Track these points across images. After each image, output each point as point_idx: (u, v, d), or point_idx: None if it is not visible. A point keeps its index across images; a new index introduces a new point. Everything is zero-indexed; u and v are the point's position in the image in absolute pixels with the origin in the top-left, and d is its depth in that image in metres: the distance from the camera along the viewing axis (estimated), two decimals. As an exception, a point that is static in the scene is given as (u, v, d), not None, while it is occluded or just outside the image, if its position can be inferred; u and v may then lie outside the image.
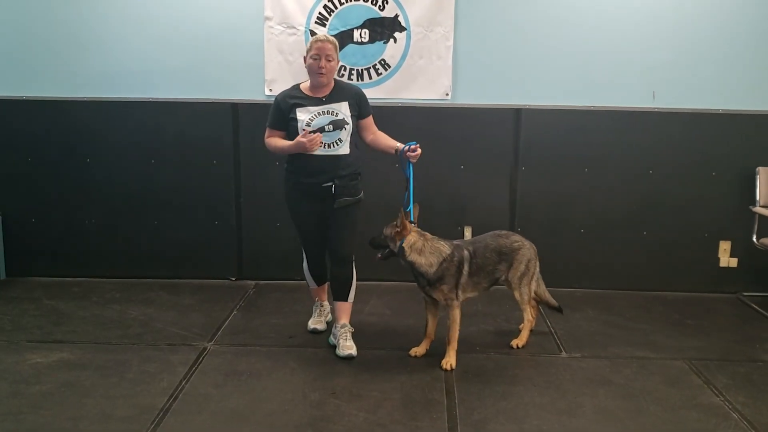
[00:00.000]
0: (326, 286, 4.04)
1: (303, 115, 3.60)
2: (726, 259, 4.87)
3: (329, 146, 3.60)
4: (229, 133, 4.85)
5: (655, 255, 4.89)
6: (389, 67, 4.76)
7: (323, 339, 3.91)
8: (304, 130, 3.57)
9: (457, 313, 3.62)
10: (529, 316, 3.88)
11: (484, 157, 4.84)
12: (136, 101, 4.81)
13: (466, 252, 3.65)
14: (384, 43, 4.72)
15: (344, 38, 4.68)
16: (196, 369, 3.54)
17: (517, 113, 4.78)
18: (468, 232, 4.86)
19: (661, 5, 4.63)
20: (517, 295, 3.83)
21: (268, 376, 3.47)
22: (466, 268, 3.63)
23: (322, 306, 4.12)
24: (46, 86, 4.81)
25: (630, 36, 4.66)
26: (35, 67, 4.81)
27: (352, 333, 3.80)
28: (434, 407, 3.17)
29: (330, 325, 4.01)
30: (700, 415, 3.14)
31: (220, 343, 3.89)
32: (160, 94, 4.80)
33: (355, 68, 4.76)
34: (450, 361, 3.58)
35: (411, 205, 3.65)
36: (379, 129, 3.83)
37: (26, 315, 4.28)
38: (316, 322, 4.08)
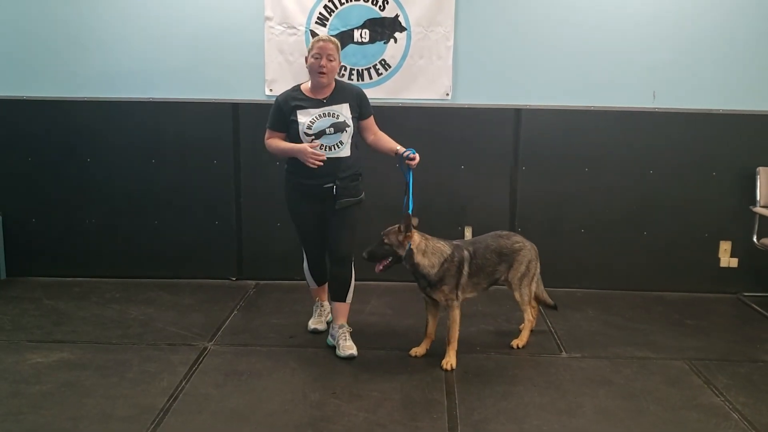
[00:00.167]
0: (326, 286, 4.02)
1: (304, 118, 3.58)
2: (726, 259, 4.87)
3: (330, 148, 3.59)
4: (229, 133, 4.85)
5: (655, 255, 4.89)
6: (389, 67, 4.76)
7: (324, 339, 3.91)
8: (305, 133, 3.55)
9: (457, 314, 3.62)
10: (529, 316, 3.89)
11: (485, 157, 4.84)
12: (136, 101, 4.81)
13: (466, 252, 3.65)
14: (384, 43, 4.72)
15: (344, 38, 4.68)
16: (196, 369, 3.54)
17: (517, 113, 4.78)
18: (468, 232, 4.86)
19: (661, 5, 4.63)
20: (517, 296, 3.83)
21: (269, 376, 3.47)
22: (466, 268, 3.63)
23: (322, 306, 4.12)
24: (46, 86, 4.81)
25: (630, 36, 4.67)
26: (35, 67, 4.81)
27: (351, 333, 3.79)
28: (434, 407, 3.17)
29: (330, 325, 4.00)
30: (700, 416, 3.14)
31: (220, 343, 3.89)
32: (161, 94, 4.80)
33: (356, 68, 4.76)
34: (450, 361, 3.58)
35: (411, 208, 3.61)
36: (380, 129, 3.82)
37: (26, 315, 4.27)
38: (316, 323, 4.07)
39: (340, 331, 3.77)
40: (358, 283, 3.83)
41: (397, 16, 4.69)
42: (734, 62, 4.66)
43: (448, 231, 4.55)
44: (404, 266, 3.60)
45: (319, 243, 3.82)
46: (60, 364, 3.55)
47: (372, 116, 3.79)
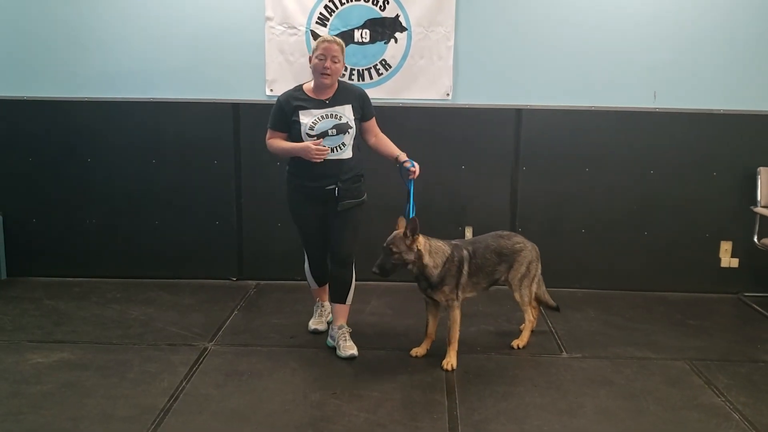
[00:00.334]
0: (327, 286, 4.01)
1: (306, 119, 3.56)
2: (727, 259, 4.87)
3: (332, 150, 3.57)
4: (229, 133, 4.85)
5: (655, 255, 4.89)
6: (390, 67, 4.76)
7: (324, 339, 3.90)
8: (308, 134, 3.54)
9: (457, 314, 3.61)
10: (530, 316, 3.88)
11: (485, 157, 4.84)
12: (136, 101, 4.81)
13: (465, 252, 3.64)
14: (385, 43, 4.72)
15: (345, 38, 4.66)
16: (196, 369, 3.54)
17: (517, 113, 4.78)
18: (468, 233, 4.86)
19: (661, 5, 4.63)
20: (517, 296, 3.83)
21: (269, 377, 3.47)
22: (465, 268, 3.62)
23: (322, 306, 4.11)
24: (46, 86, 4.81)
25: (631, 36, 4.66)
26: (36, 67, 4.81)
27: (351, 333, 3.79)
28: (435, 408, 3.17)
29: (330, 325, 3.98)
30: (701, 416, 3.14)
31: (220, 344, 3.88)
32: (161, 94, 4.80)
33: (356, 68, 4.75)
34: (451, 361, 3.58)
35: (413, 213, 3.59)
36: (380, 129, 3.82)
37: (27, 315, 4.27)
38: (316, 323, 4.07)
39: (340, 331, 3.76)
40: (358, 283, 3.83)
41: (397, 16, 4.69)
42: (735, 62, 4.66)
43: (448, 231, 4.56)
44: (412, 270, 3.57)
45: (320, 244, 3.81)
46: (60, 365, 3.55)
47: (374, 118, 3.77)
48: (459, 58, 4.74)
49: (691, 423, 3.08)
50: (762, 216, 4.62)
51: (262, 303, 4.59)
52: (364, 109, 3.70)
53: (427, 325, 3.76)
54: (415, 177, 3.65)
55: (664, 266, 4.90)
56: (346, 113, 3.61)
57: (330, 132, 3.56)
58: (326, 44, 3.53)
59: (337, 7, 4.70)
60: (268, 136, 3.71)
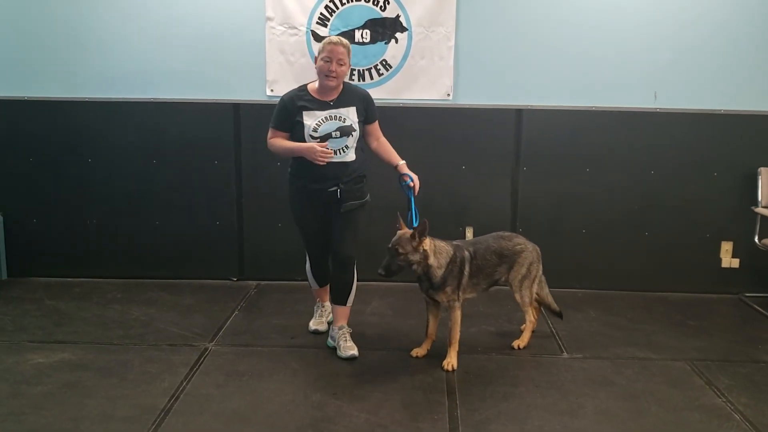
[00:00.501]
0: (328, 287, 4.00)
1: (309, 120, 3.53)
2: (728, 259, 4.87)
3: (336, 153, 3.55)
4: (230, 133, 4.85)
5: (656, 255, 4.89)
6: (390, 67, 4.76)
7: (325, 340, 3.90)
8: (311, 135, 3.51)
9: (458, 314, 3.61)
10: (530, 317, 3.88)
11: (486, 158, 4.84)
12: (137, 102, 4.81)
13: (466, 253, 3.64)
14: (385, 43, 4.72)
15: (345, 38, 4.67)
16: (197, 369, 3.54)
17: (518, 114, 4.77)
18: (469, 233, 4.86)
19: (661, 6, 4.62)
20: (517, 297, 3.83)
21: (270, 377, 3.47)
22: (467, 269, 3.62)
23: (323, 307, 4.11)
24: (46, 87, 4.81)
25: (631, 36, 4.66)
26: (36, 67, 4.81)
27: (351, 334, 3.79)
28: (435, 408, 3.17)
29: (330, 326, 3.97)
30: (701, 416, 3.14)
31: (221, 344, 3.88)
32: (161, 94, 4.80)
33: (357, 69, 4.75)
34: (451, 361, 3.58)
35: (416, 222, 3.56)
36: (381, 130, 3.80)
37: (27, 315, 4.27)
38: (317, 323, 4.06)
39: (340, 332, 3.76)
40: (359, 283, 3.83)
41: (398, 16, 4.69)
42: (735, 62, 4.66)
43: (449, 232, 4.55)
44: (416, 271, 3.56)
45: (322, 245, 3.80)
46: (61, 365, 3.55)
47: (377, 121, 3.75)
48: (459, 59, 4.74)
49: (692, 424, 3.08)
50: (762, 216, 4.62)
51: (263, 303, 4.59)
52: (368, 111, 3.67)
53: (427, 326, 3.75)
54: (416, 193, 3.63)
55: (664, 266, 4.90)
56: (351, 116, 3.59)
57: (334, 134, 3.54)
58: (332, 46, 3.48)
59: (337, 8, 4.69)
60: (269, 135, 3.67)
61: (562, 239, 4.88)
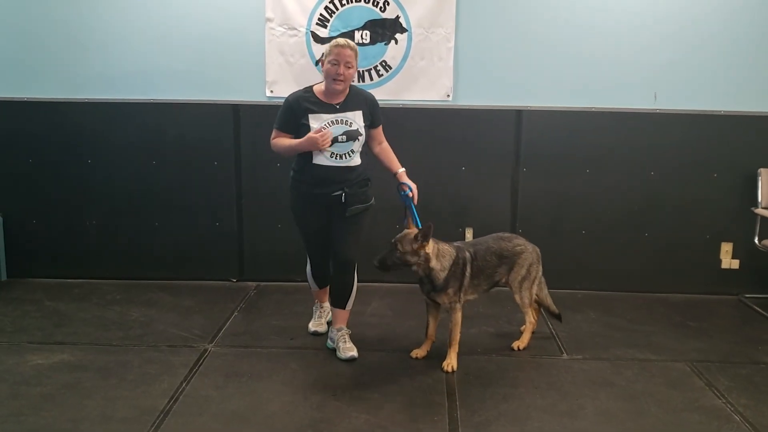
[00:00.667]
0: (328, 288, 3.99)
1: (315, 123, 3.47)
2: (728, 260, 4.86)
3: (341, 157, 3.51)
4: (230, 134, 4.85)
5: (656, 256, 4.89)
6: (390, 68, 4.76)
7: (324, 341, 3.90)
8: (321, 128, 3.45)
9: (458, 316, 3.61)
10: (530, 318, 3.88)
11: (486, 159, 4.84)
12: (137, 102, 4.81)
13: (467, 254, 3.64)
14: (385, 44, 4.72)
15: (346, 40, 4.68)
16: (196, 370, 3.53)
17: (518, 114, 4.77)
18: (469, 234, 4.86)
19: (662, 7, 4.62)
20: (517, 298, 3.82)
21: (269, 378, 3.47)
22: (468, 270, 3.61)
23: (321, 308, 4.10)
24: (46, 88, 4.81)
25: (631, 37, 4.66)
26: (36, 68, 4.81)
27: (350, 335, 3.78)
28: (435, 409, 3.17)
29: (330, 326, 3.96)
30: (701, 418, 3.14)
31: (220, 345, 3.88)
32: (161, 95, 4.80)
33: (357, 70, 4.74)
34: (451, 362, 3.58)
35: (419, 221, 3.57)
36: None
37: (27, 316, 4.27)
38: (316, 325, 4.06)
39: (339, 333, 3.75)
40: (358, 284, 3.82)
41: (397, 17, 4.69)
42: (736, 63, 4.66)
43: (449, 232, 4.55)
44: (417, 272, 3.56)
45: (323, 247, 3.76)
46: (61, 366, 3.55)
47: (381, 126, 3.71)
48: (459, 60, 4.74)
49: (692, 425, 3.08)
50: (763, 217, 4.62)
51: (262, 304, 4.58)
52: (373, 116, 3.63)
53: (427, 327, 3.75)
54: (415, 202, 3.62)
55: (664, 267, 4.90)
56: (357, 120, 3.54)
57: (340, 138, 3.49)
58: (339, 49, 3.42)
59: (337, 8, 4.69)
60: (273, 136, 3.61)
61: (562, 240, 4.87)
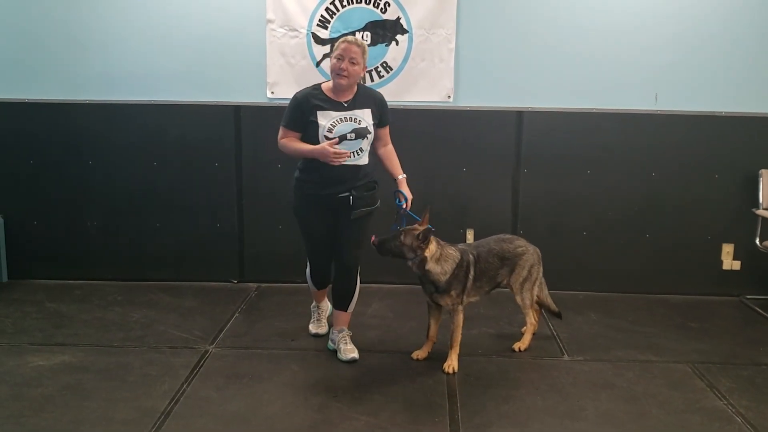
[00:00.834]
0: (327, 288, 3.97)
1: (324, 120, 3.42)
2: (729, 261, 4.86)
3: (349, 156, 3.44)
4: (231, 135, 4.85)
5: (657, 257, 4.88)
6: (391, 69, 4.75)
7: (325, 342, 3.90)
8: (325, 137, 3.41)
9: (460, 318, 3.60)
10: (531, 319, 3.88)
11: (486, 160, 4.84)
12: (137, 104, 4.81)
13: (471, 256, 3.63)
14: (386, 45, 4.72)
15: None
16: (197, 372, 3.53)
17: (519, 115, 4.77)
18: (470, 235, 4.86)
19: (663, 7, 4.62)
20: (518, 299, 3.82)
21: (270, 379, 3.46)
22: (471, 272, 3.61)
23: (320, 308, 4.05)
24: (47, 89, 4.81)
25: (632, 38, 4.66)
26: (37, 69, 4.81)
27: (351, 336, 3.78)
28: (436, 411, 3.16)
29: (330, 323, 3.95)
30: (703, 419, 3.13)
31: (221, 346, 3.88)
32: (162, 96, 4.81)
33: (357, 71, 4.75)
34: (452, 364, 3.57)
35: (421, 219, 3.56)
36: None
37: (28, 317, 4.27)
38: (317, 327, 4.04)
39: (341, 335, 3.75)
40: (359, 285, 3.81)
41: (398, 18, 4.69)
42: (737, 64, 4.66)
43: (450, 233, 4.54)
44: (411, 268, 3.56)
45: (326, 252, 3.70)
46: (61, 367, 3.55)
47: (388, 126, 3.67)
48: (460, 61, 4.73)
49: (694, 426, 3.08)
50: (764, 218, 4.61)
51: (263, 306, 4.58)
52: (382, 115, 3.59)
53: (428, 328, 3.74)
54: (407, 208, 3.61)
55: (665, 268, 4.89)
56: (366, 118, 3.50)
57: (349, 136, 3.44)
58: (345, 45, 3.40)
59: (338, 10, 4.70)
60: (280, 135, 3.54)
61: (563, 241, 4.87)
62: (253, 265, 5.03)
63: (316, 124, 3.43)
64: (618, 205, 4.84)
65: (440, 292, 3.56)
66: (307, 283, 3.99)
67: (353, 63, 3.41)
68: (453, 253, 3.58)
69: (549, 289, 4.04)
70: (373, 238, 3.54)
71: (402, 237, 3.47)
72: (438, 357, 3.66)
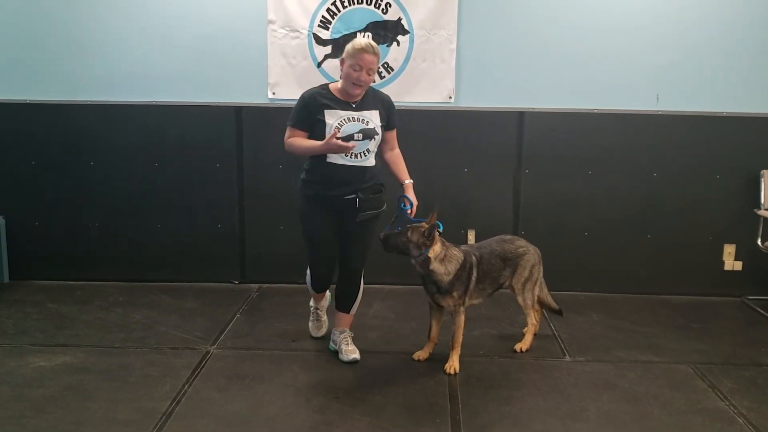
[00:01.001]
0: (327, 292, 3.92)
1: (332, 119, 3.37)
2: (730, 262, 4.85)
3: (356, 156, 3.40)
4: (232, 136, 4.85)
5: (659, 258, 4.88)
6: (392, 70, 4.75)
7: (326, 342, 3.89)
8: (335, 129, 3.34)
9: (462, 319, 3.60)
10: (532, 320, 3.87)
11: (488, 160, 4.84)
12: (138, 104, 4.82)
13: (473, 258, 3.62)
14: (387, 46, 4.72)
15: (347, 42, 4.65)
16: (198, 373, 3.53)
17: (520, 116, 4.77)
18: (471, 236, 4.86)
19: (664, 8, 4.62)
20: (520, 300, 3.82)
21: (271, 380, 3.46)
22: (474, 274, 3.60)
23: (318, 310, 3.99)
24: (48, 90, 4.82)
25: (633, 39, 4.66)
26: (38, 70, 4.81)
27: (352, 337, 3.77)
28: (437, 412, 3.16)
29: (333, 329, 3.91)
30: (704, 420, 3.13)
31: (222, 347, 3.88)
32: (163, 97, 4.81)
33: (358, 71, 4.74)
34: (453, 365, 3.57)
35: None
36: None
37: (29, 318, 4.27)
38: (317, 329, 4.00)
39: (342, 336, 3.74)
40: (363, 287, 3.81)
41: (399, 19, 4.69)
42: (738, 64, 4.65)
43: (451, 234, 4.51)
44: (415, 268, 3.55)
45: (330, 258, 3.64)
46: (63, 368, 3.55)
47: (395, 129, 3.63)
48: (461, 61, 4.73)
49: (695, 427, 3.07)
50: (765, 219, 4.61)
51: (265, 306, 4.58)
52: (389, 117, 3.55)
53: (430, 329, 3.74)
54: (411, 215, 3.58)
55: (667, 269, 4.89)
56: (373, 119, 3.45)
57: (356, 136, 3.37)
58: (365, 55, 3.31)
59: (339, 11, 4.70)
60: (287, 134, 3.48)
61: (564, 241, 4.87)
62: (255, 266, 5.03)
63: (323, 123, 3.39)
64: (619, 206, 4.84)
65: (442, 293, 3.55)
66: (306, 284, 3.92)
67: (370, 73, 3.37)
68: (457, 254, 3.57)
69: (550, 290, 4.04)
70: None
71: (409, 233, 3.46)
72: (439, 358, 3.66)
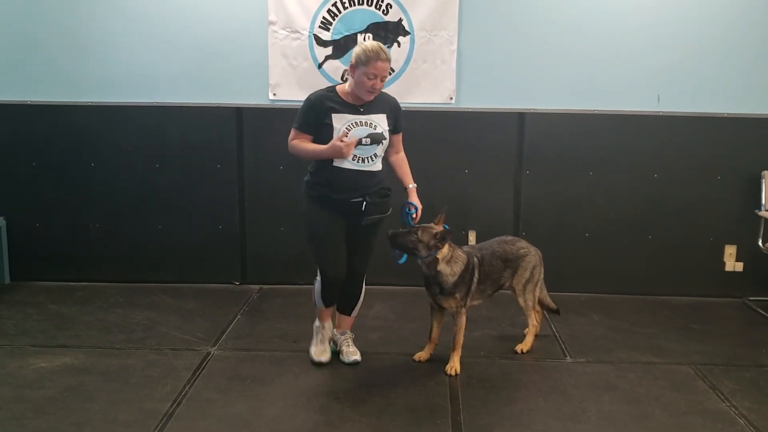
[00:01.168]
0: (334, 307, 3.76)
1: (339, 123, 3.31)
2: (731, 263, 4.85)
3: (363, 161, 3.35)
4: (232, 137, 4.85)
5: (659, 259, 4.87)
6: (393, 71, 4.75)
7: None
8: (344, 132, 3.30)
9: (463, 320, 3.60)
10: (533, 321, 3.87)
11: (488, 161, 4.84)
12: (139, 106, 4.82)
13: (475, 259, 3.62)
14: (388, 47, 4.71)
15: (348, 43, 4.68)
16: (199, 374, 3.53)
17: (521, 117, 4.77)
18: (472, 237, 4.86)
19: (665, 9, 4.62)
20: (521, 301, 3.82)
21: (272, 381, 3.46)
22: (476, 275, 3.60)
23: (324, 329, 3.74)
24: (49, 91, 4.82)
25: (634, 39, 4.66)
26: (39, 72, 4.82)
27: (353, 339, 3.77)
28: (438, 412, 3.16)
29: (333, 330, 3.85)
30: (705, 421, 3.13)
31: (223, 348, 3.88)
32: (164, 98, 4.81)
33: (359, 72, 4.74)
34: (454, 366, 3.57)
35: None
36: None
37: (30, 319, 4.27)
38: (320, 353, 3.67)
39: (343, 337, 3.74)
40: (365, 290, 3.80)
41: (400, 20, 4.69)
42: (739, 65, 4.65)
43: (452, 235, 4.54)
44: (421, 268, 3.54)
45: (339, 262, 3.53)
46: (63, 369, 3.55)
47: (401, 133, 3.58)
48: (462, 62, 4.73)
49: (696, 428, 3.07)
50: (766, 219, 4.61)
51: (265, 307, 4.58)
52: (396, 121, 3.50)
53: (431, 330, 3.74)
54: (415, 222, 3.55)
55: (668, 270, 4.89)
56: (381, 123, 3.40)
57: (364, 141, 3.32)
58: (377, 63, 3.23)
59: (340, 12, 4.70)
60: (291, 136, 3.42)
61: (565, 242, 4.87)
62: (255, 267, 5.03)
63: (331, 127, 3.32)
64: (620, 207, 4.84)
65: (445, 294, 3.55)
66: (313, 297, 3.70)
67: (383, 80, 3.33)
68: (462, 255, 3.57)
69: (551, 290, 4.04)
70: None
71: (419, 233, 3.44)
72: (440, 359, 3.66)
